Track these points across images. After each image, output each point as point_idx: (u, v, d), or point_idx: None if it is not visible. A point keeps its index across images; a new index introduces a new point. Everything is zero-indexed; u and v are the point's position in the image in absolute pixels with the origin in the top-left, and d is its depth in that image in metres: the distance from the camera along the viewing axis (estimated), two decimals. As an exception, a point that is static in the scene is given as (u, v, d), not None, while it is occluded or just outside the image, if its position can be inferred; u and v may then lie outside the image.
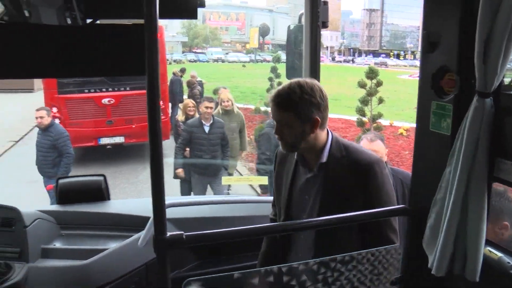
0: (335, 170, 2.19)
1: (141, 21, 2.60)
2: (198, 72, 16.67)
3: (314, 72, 2.90)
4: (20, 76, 3.59)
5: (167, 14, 1.84)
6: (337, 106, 17.71)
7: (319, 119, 2.12)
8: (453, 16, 1.66)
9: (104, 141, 11.01)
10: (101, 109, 10.88)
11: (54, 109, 10.67)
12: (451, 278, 1.73)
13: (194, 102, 8.30)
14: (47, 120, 7.02)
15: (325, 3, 2.88)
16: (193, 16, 2.72)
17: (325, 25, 2.92)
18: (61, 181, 3.20)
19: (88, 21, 2.52)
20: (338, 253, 1.99)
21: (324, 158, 2.21)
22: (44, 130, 6.99)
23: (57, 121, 10.57)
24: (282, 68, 16.98)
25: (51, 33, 2.37)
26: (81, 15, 2.51)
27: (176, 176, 6.96)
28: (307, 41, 2.89)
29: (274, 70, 17.08)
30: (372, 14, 78.42)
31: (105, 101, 10.84)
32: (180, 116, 8.16)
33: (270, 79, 17.04)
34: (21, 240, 2.67)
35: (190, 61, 43.73)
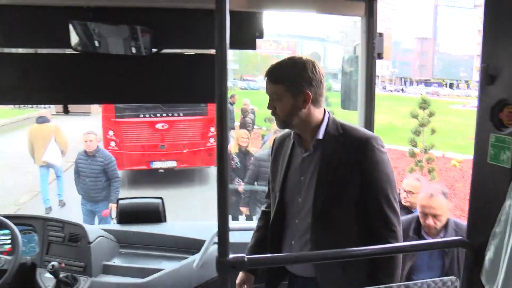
0: (331, 148, 2.18)
1: (204, 51, 2.76)
2: (249, 99, 16.94)
3: (369, 102, 2.95)
4: (90, 102, 3.84)
5: (230, 45, 1.93)
6: (388, 136, 17.50)
7: (310, 93, 2.12)
8: (508, 50, 1.68)
9: (157, 165, 11.30)
10: (155, 134, 11.22)
11: (111, 132, 11.15)
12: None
13: (247, 133, 8.14)
14: (95, 145, 6.98)
15: (381, 35, 2.94)
16: (253, 47, 2.85)
17: (380, 56, 2.97)
18: (121, 202, 3.36)
19: (154, 50, 2.69)
20: (336, 238, 2.13)
21: (320, 135, 2.20)
22: (91, 155, 6.92)
23: (112, 143, 11.08)
24: (333, 97, 16.99)
25: (119, 62, 2.50)
26: (147, 45, 2.68)
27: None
28: (363, 72, 2.95)
29: (325, 99, 17.13)
30: (424, 42, 77.38)
31: (159, 126, 11.18)
32: (233, 147, 7.95)
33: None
34: (85, 255, 2.83)
35: (241, 88, 44.42)
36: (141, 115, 11.14)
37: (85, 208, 7.06)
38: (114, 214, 7.14)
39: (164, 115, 11.20)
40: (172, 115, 11.22)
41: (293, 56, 2.20)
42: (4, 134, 17.51)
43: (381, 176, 2.16)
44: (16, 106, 19.04)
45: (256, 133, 15.86)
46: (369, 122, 2.95)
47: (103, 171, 6.98)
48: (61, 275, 2.63)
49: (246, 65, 49.51)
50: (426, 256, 3.09)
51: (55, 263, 2.58)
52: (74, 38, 2.61)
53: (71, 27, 2.58)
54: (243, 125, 12.94)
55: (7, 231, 2.80)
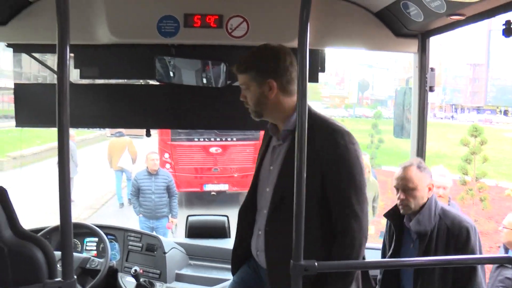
0: (331, 144, 2.11)
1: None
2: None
3: (422, 132, 3.17)
4: (169, 127, 4.23)
5: None
6: (438, 164, 17.25)
7: (274, 82, 2.11)
8: None
9: (209, 187, 11.65)
10: (209, 157, 11.61)
11: (166, 155, 11.64)
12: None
13: None
14: (158, 164, 7.50)
15: (432, 70, 3.17)
16: (315, 80, 3.17)
17: (432, 89, 3.20)
18: (190, 218, 3.69)
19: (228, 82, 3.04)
20: (289, 234, 2.01)
21: (290, 126, 2.16)
22: (154, 173, 7.37)
23: (167, 165, 11.56)
24: (383, 124, 17.00)
25: (195, 92, 2.83)
26: (219, 78, 3.04)
27: None
28: (416, 104, 3.18)
29: (375, 126, 17.19)
30: (477, 68, 75.48)
31: (212, 150, 11.58)
32: None
33: (371, 135, 17.14)
34: (161, 263, 3.17)
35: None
36: (196, 139, 11.58)
37: (146, 226, 7.43)
38: (173, 229, 7.60)
39: (218, 139, 11.60)
40: (226, 140, 11.61)
41: (263, 45, 2.20)
42: (84, 147, 19.23)
43: (342, 175, 2.09)
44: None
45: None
46: (421, 150, 3.17)
47: (166, 188, 7.44)
48: (141, 279, 2.97)
49: (294, 92, 50.04)
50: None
51: (137, 268, 2.93)
52: (158, 71, 3.02)
53: (156, 62, 2.98)
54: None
55: (94, 238, 3.19)
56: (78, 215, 10.15)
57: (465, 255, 2.17)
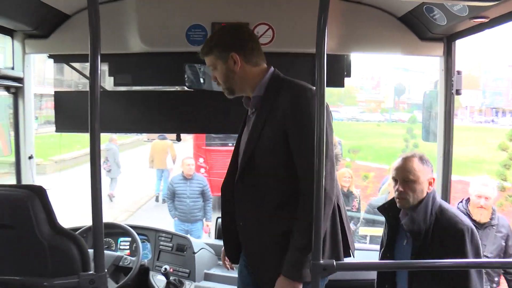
0: (269, 103, 2.18)
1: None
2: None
3: (448, 136, 3.17)
4: (198, 132, 4.36)
5: None
6: (474, 170, 16.88)
7: (237, 54, 2.18)
8: None
9: (243, 192, 11.74)
10: (242, 162, 11.71)
11: (201, 159, 11.84)
12: None
13: (350, 172, 7.49)
14: (193, 169, 7.72)
15: (459, 73, 3.17)
16: (341, 85, 3.24)
17: (458, 92, 3.19)
18: (220, 219, 3.79)
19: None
20: (254, 198, 2.16)
21: (258, 92, 2.23)
22: (190, 178, 7.58)
23: (202, 170, 11.75)
24: (418, 129, 16.77)
25: (223, 98, 2.92)
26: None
27: None
28: (442, 108, 3.19)
29: (410, 131, 16.99)
30: (519, 71, 73.20)
31: (246, 154, 11.68)
32: None
33: (406, 140, 16.94)
34: (190, 263, 3.28)
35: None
36: (230, 144, 11.72)
37: (180, 229, 7.59)
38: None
39: (251, 144, 11.67)
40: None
41: (221, 26, 2.37)
42: (122, 152, 20.07)
43: (302, 134, 2.09)
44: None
45: (341, 164, 15.48)
46: (447, 154, 3.17)
47: (201, 192, 7.66)
48: (171, 278, 3.08)
49: (330, 96, 49.77)
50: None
51: (167, 267, 3.05)
52: (187, 78, 3.15)
53: (186, 69, 3.11)
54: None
55: (128, 238, 3.33)
56: (115, 218, 10.47)
57: (467, 259, 2.14)
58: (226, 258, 2.63)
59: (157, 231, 3.46)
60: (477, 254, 2.38)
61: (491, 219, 4.00)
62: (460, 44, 3.16)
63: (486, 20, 2.50)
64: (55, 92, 3.39)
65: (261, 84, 2.23)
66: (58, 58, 3.35)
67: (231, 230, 2.38)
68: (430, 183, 2.57)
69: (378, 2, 3.02)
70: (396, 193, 2.56)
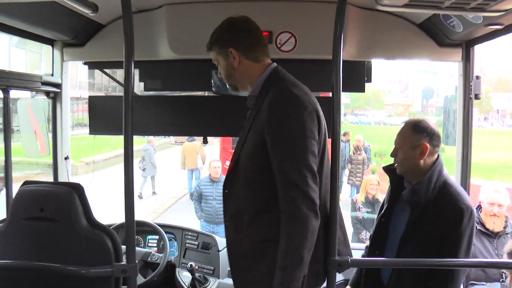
0: (258, 105, 2.12)
1: (320, 94, 3.26)
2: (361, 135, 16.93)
3: (466, 140, 3.24)
4: (223, 135, 4.53)
5: (343, 88, 2.37)
6: (506, 175, 16.57)
7: (236, 50, 2.14)
8: None
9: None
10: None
11: (227, 162, 12.00)
12: None
13: (377, 179, 7.39)
14: (219, 172, 7.85)
15: (478, 78, 3.23)
16: (362, 90, 3.36)
17: (477, 97, 3.25)
18: None
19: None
20: (240, 196, 2.07)
21: (253, 92, 2.18)
22: (216, 180, 7.73)
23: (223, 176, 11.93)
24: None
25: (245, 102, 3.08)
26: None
27: None
28: (460, 112, 3.26)
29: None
30: (554, 74, 71.31)
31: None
32: (359, 196, 7.15)
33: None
34: (215, 260, 3.43)
35: (351, 123, 44.19)
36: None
37: (206, 230, 7.64)
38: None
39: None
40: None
41: (224, 20, 2.24)
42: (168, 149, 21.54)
43: (276, 140, 2.01)
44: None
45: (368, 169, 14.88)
46: (466, 158, 3.24)
47: None
48: (196, 274, 3.24)
49: (357, 100, 49.41)
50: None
51: (193, 263, 3.20)
52: (214, 83, 3.31)
53: (213, 75, 3.27)
54: (355, 164, 12.24)
55: (156, 236, 3.51)
56: (142, 218, 10.79)
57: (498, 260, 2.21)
58: None
59: (183, 229, 3.62)
60: (470, 236, 2.33)
61: (505, 227, 3.82)
62: (491, 47, 3.21)
63: (501, 27, 2.59)
64: (89, 97, 3.62)
65: (258, 82, 2.17)
66: (92, 65, 3.57)
67: None
68: (422, 152, 2.42)
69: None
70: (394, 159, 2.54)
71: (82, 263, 2.01)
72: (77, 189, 2.10)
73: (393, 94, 55.48)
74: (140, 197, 13.24)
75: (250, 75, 2.19)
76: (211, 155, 12.61)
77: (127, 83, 1.92)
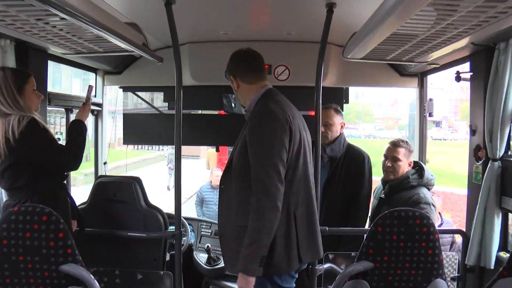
0: (249, 118, 2.50)
1: (305, 113, 4.13)
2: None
3: (422, 149, 4.15)
4: (229, 145, 5.41)
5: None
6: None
7: (235, 76, 2.58)
8: (481, 112, 2.89)
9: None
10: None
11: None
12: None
13: None
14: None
15: (431, 100, 4.13)
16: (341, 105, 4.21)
17: (431, 115, 4.16)
18: None
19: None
20: (231, 188, 2.44)
21: (250, 107, 2.56)
22: (216, 187, 8.21)
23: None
24: (430, 145, 17.43)
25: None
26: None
27: None
28: (417, 127, 4.19)
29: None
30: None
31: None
32: None
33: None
34: None
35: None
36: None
37: None
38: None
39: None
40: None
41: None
42: (146, 166, 22.35)
43: (251, 145, 2.38)
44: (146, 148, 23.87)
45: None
46: (422, 161, 4.14)
47: None
48: (211, 254, 4.08)
49: (348, 113, 50.20)
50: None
51: (209, 245, 4.05)
52: (224, 104, 4.21)
53: (223, 98, 4.17)
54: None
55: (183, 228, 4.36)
56: (171, 204, 11.77)
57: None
58: None
59: (199, 221, 4.47)
60: (369, 170, 3.53)
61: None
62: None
63: (438, 65, 3.51)
64: (124, 113, 4.50)
65: (253, 100, 2.55)
66: (126, 88, 4.47)
67: None
68: (341, 127, 3.62)
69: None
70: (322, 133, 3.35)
71: (143, 231, 2.92)
72: (137, 181, 3.02)
73: (383, 107, 56.23)
74: (168, 189, 16.38)
75: (246, 95, 2.59)
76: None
77: (178, 106, 2.81)
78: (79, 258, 2.00)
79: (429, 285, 2.02)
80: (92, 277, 1.95)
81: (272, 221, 2.30)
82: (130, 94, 4.70)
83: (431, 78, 4.24)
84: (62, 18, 2.21)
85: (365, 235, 2.31)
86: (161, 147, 28.42)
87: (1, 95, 2.57)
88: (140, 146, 25.93)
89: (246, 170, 2.38)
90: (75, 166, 2.77)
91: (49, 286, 1.91)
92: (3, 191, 2.78)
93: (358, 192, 3.48)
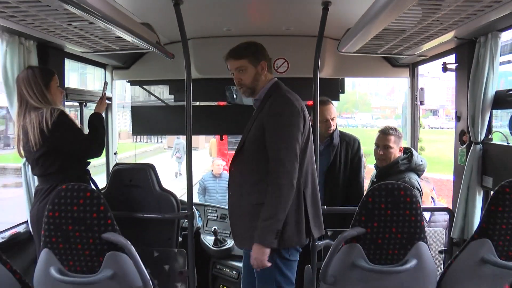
0: (262, 105, 2.72)
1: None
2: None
3: (414, 135, 4.43)
4: (231, 133, 5.65)
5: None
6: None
7: (265, 63, 2.76)
8: (465, 100, 3.16)
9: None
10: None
11: (223, 162, 13.23)
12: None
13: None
14: (221, 169, 8.95)
15: (422, 89, 4.40)
16: (337, 99, 4.49)
17: (422, 103, 4.42)
18: None
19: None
20: (243, 170, 2.69)
21: (260, 96, 2.77)
22: (218, 176, 8.82)
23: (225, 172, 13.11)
24: (423, 134, 17.73)
25: (248, 109, 4.11)
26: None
27: None
28: (409, 115, 4.45)
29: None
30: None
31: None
32: None
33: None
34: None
35: (339, 125, 44.32)
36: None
37: None
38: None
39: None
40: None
41: (248, 41, 2.83)
42: (146, 158, 22.26)
43: (272, 128, 2.61)
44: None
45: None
46: (414, 147, 4.41)
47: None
48: (217, 236, 4.34)
49: (345, 103, 50.35)
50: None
51: (215, 227, 4.32)
52: (227, 96, 4.47)
53: (226, 90, 4.43)
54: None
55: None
56: (181, 189, 12.02)
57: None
58: None
59: (205, 206, 4.75)
60: (362, 156, 3.96)
61: None
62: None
63: (427, 57, 3.77)
64: (132, 106, 4.75)
65: (263, 90, 2.78)
66: (134, 83, 4.72)
67: None
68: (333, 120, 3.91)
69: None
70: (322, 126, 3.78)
71: (158, 212, 3.19)
72: (151, 167, 3.29)
73: (380, 97, 56.39)
74: (176, 176, 18.62)
75: (262, 83, 2.78)
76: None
77: (188, 99, 3.06)
78: (117, 228, 2.29)
79: (413, 247, 2.30)
80: (129, 243, 2.24)
81: (289, 197, 2.56)
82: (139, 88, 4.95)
83: (428, 68, 4.51)
84: (87, 21, 2.46)
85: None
86: (159, 139, 28.87)
87: (31, 90, 2.84)
88: (139, 139, 26.40)
89: (261, 152, 2.62)
90: (99, 153, 3.08)
91: (93, 251, 2.20)
92: (34, 177, 3.05)
93: (357, 173, 3.84)
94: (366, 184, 4.09)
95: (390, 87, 56.88)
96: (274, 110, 2.64)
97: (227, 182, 2.89)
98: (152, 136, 27.83)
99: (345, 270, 2.35)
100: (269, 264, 2.57)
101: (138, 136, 25.55)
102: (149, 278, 2.29)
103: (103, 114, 4.44)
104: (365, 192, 3.78)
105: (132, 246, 2.22)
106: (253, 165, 2.68)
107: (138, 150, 24.29)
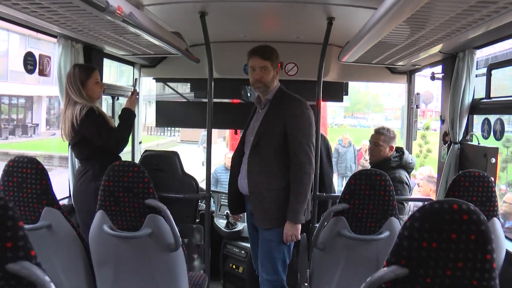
0: (274, 105, 3.15)
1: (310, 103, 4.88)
2: (357, 136, 17.97)
3: (409, 136, 4.87)
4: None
5: (327, 99, 3.82)
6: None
7: (280, 66, 3.23)
8: (447, 105, 3.61)
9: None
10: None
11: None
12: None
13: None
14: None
15: (418, 94, 4.85)
16: (341, 100, 4.96)
17: (418, 107, 4.89)
18: None
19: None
20: (261, 166, 3.12)
21: (270, 96, 3.20)
22: (229, 169, 9.28)
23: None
24: (431, 136, 17.92)
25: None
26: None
27: None
28: (405, 118, 4.91)
29: (423, 137, 18.13)
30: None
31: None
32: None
33: (420, 145, 18.09)
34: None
35: (350, 125, 44.90)
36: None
37: None
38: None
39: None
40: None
41: (267, 46, 3.21)
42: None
43: (296, 127, 3.07)
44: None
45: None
46: (409, 149, 4.85)
47: None
48: (229, 219, 4.81)
49: (357, 103, 50.14)
50: None
51: (227, 211, 4.80)
52: (242, 94, 4.95)
53: (242, 89, 4.92)
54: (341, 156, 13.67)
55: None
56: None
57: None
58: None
59: (219, 192, 5.24)
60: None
61: None
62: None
63: (420, 66, 4.24)
64: (156, 101, 5.26)
65: (273, 90, 3.20)
66: (159, 80, 5.24)
67: (235, 184, 3.40)
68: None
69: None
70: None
71: (180, 193, 3.72)
72: (175, 154, 3.82)
73: (392, 98, 55.97)
74: (203, 164, 17.68)
75: (274, 84, 3.21)
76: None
77: (210, 95, 3.54)
78: (156, 196, 2.76)
79: (386, 221, 2.79)
80: (165, 206, 2.74)
81: (311, 181, 3.12)
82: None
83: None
84: (129, 31, 2.98)
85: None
86: (173, 133, 29.40)
87: (71, 86, 3.32)
88: (152, 132, 26.97)
89: (282, 146, 3.08)
90: (117, 148, 3.42)
91: (137, 213, 2.72)
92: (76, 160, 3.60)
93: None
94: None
95: (402, 88, 56.24)
96: (297, 112, 3.09)
97: None
98: (166, 130, 28.46)
99: (333, 238, 2.85)
100: (300, 237, 3.12)
101: (153, 130, 26.56)
102: (179, 236, 2.80)
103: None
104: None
105: (168, 210, 2.74)
106: (275, 157, 3.11)
107: (153, 143, 24.88)
